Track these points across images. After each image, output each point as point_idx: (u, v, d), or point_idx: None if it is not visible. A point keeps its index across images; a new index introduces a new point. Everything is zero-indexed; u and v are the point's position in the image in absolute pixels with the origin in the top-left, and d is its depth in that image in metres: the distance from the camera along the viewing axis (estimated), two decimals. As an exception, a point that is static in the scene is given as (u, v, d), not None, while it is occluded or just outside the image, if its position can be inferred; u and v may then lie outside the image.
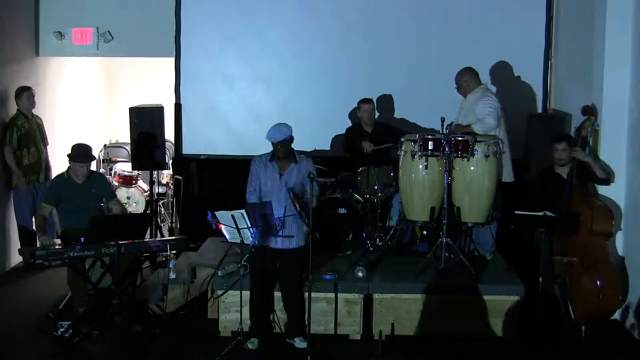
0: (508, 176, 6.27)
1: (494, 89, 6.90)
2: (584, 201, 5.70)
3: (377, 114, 7.13)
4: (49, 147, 7.35)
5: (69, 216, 6.00)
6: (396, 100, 7.63)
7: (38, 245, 5.91)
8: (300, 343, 5.43)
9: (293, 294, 5.46)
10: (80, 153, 6.05)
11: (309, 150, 7.29)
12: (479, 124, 6.14)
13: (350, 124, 7.39)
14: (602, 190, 6.00)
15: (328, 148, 7.66)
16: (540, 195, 5.94)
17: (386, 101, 7.58)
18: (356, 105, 7.04)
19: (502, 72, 7.43)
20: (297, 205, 5.25)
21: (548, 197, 5.82)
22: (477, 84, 6.37)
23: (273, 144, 5.35)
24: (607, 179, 5.86)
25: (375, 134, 6.91)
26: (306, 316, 5.32)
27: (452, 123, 6.19)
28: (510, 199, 6.14)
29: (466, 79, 6.38)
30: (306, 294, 5.33)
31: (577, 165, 5.75)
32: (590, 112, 5.85)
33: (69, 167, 6.06)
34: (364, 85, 7.49)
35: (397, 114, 7.63)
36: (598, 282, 5.58)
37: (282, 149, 5.34)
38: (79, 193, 6.01)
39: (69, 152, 6.06)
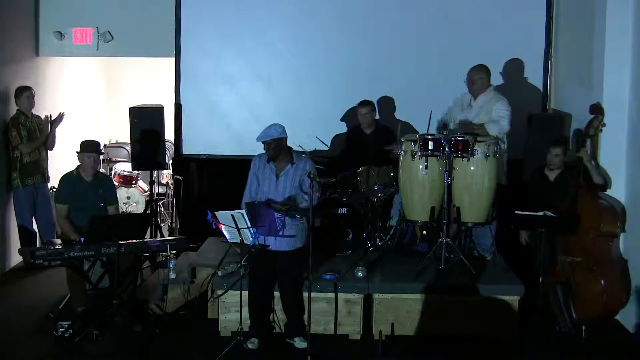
0: (502, 179, 6.26)
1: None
2: (590, 202, 5.70)
3: (377, 116, 7.12)
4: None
5: (75, 215, 6.00)
6: (396, 100, 7.62)
7: (39, 245, 5.92)
8: (300, 343, 5.43)
9: (291, 294, 5.46)
10: (88, 144, 6.09)
11: (309, 151, 7.28)
12: (494, 125, 6.13)
13: (345, 125, 7.39)
14: (602, 190, 6.02)
15: (328, 148, 7.66)
16: (528, 196, 6.01)
17: (387, 102, 7.57)
18: (354, 106, 7.03)
19: (502, 72, 7.43)
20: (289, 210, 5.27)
21: (534, 198, 5.87)
22: (489, 84, 6.39)
23: (263, 144, 5.36)
24: (604, 185, 5.86)
25: (376, 135, 6.89)
26: (306, 316, 5.32)
27: (443, 121, 6.21)
28: (508, 199, 6.14)
29: (482, 77, 6.35)
30: (306, 294, 5.32)
31: (583, 166, 5.75)
32: (598, 110, 5.84)
33: (78, 166, 6.08)
34: (364, 85, 7.50)
35: (397, 114, 7.63)
36: (601, 282, 5.58)
37: (269, 150, 5.33)
38: (87, 192, 6.02)
39: (78, 148, 6.08)
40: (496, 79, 7.32)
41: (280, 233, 5.31)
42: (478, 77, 6.35)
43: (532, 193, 6.01)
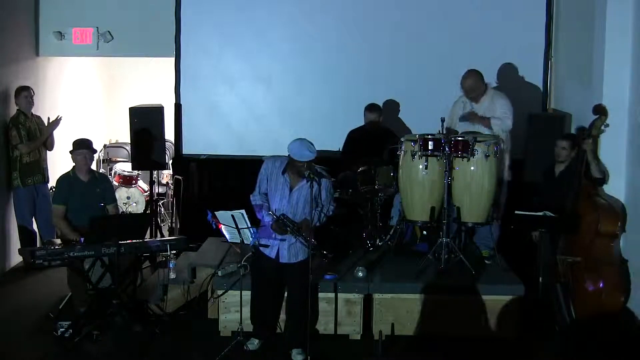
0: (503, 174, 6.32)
1: None
2: (590, 201, 5.70)
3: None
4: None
5: (72, 215, 5.99)
6: (395, 100, 7.62)
7: (39, 245, 5.91)
8: (296, 356, 5.26)
9: (298, 305, 5.25)
10: (78, 142, 6.07)
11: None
12: (499, 121, 6.24)
13: (345, 125, 7.40)
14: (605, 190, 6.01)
15: (328, 148, 7.65)
16: (539, 195, 6.01)
17: (390, 103, 7.56)
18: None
19: (502, 72, 7.43)
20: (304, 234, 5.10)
21: (544, 197, 5.88)
22: (485, 85, 6.43)
23: (296, 160, 5.02)
24: (602, 179, 5.87)
25: (377, 136, 6.86)
26: (309, 319, 5.18)
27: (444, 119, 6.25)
28: (510, 199, 6.15)
29: (479, 84, 6.36)
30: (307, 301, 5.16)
31: (586, 162, 5.76)
32: (601, 111, 5.84)
33: (73, 167, 6.07)
34: (364, 86, 7.51)
35: (398, 115, 7.63)
36: (600, 283, 5.58)
37: (306, 165, 5.01)
38: (84, 192, 6.01)
39: (70, 149, 6.07)
40: (496, 79, 7.33)
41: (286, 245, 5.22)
42: (478, 85, 6.35)
43: (543, 192, 6.00)
